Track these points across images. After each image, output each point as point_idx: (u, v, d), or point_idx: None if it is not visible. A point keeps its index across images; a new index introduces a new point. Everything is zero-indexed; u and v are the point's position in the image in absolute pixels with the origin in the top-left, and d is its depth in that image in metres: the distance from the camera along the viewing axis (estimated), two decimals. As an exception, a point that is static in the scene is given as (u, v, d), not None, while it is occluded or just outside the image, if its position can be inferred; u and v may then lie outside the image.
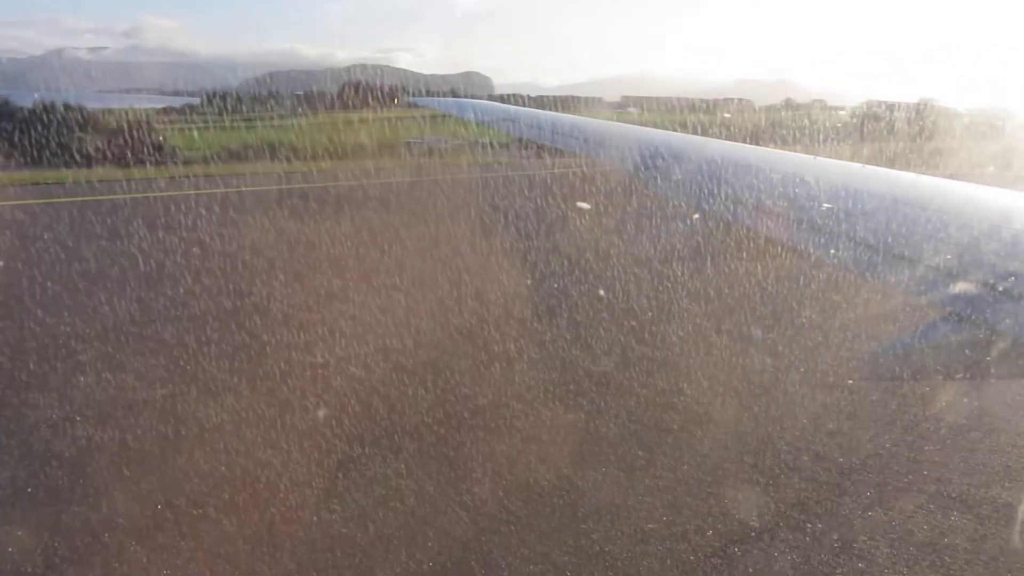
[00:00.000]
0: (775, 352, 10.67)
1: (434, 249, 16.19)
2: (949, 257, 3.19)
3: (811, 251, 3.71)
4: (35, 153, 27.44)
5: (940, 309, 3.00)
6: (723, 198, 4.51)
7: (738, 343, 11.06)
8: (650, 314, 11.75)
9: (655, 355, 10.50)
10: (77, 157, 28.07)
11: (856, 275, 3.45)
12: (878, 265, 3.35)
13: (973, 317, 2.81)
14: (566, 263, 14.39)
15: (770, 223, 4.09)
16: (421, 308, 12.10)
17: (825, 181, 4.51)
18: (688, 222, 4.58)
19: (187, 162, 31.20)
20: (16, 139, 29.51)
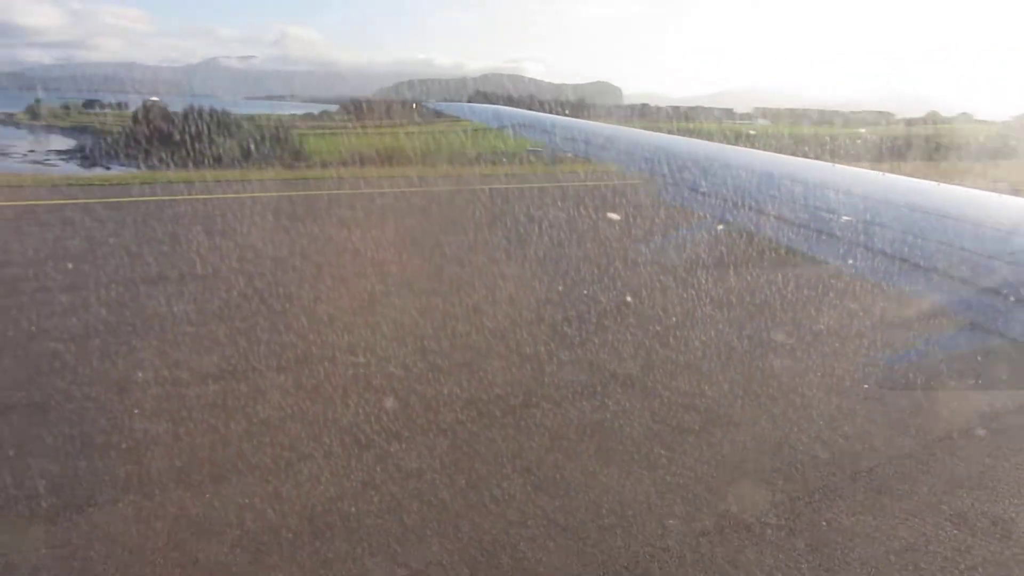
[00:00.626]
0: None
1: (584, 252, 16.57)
2: (968, 267, 3.17)
3: (832, 262, 3.73)
4: (182, 154, 29.40)
5: (960, 319, 2.97)
6: (743, 209, 4.52)
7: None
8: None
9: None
10: (220, 158, 29.85)
11: (880, 286, 3.45)
12: (897, 275, 3.34)
13: (992, 327, 2.79)
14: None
15: (785, 230, 4.11)
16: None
17: (849, 191, 4.53)
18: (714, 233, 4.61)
19: (324, 165, 32.50)
20: (167, 141, 31.76)
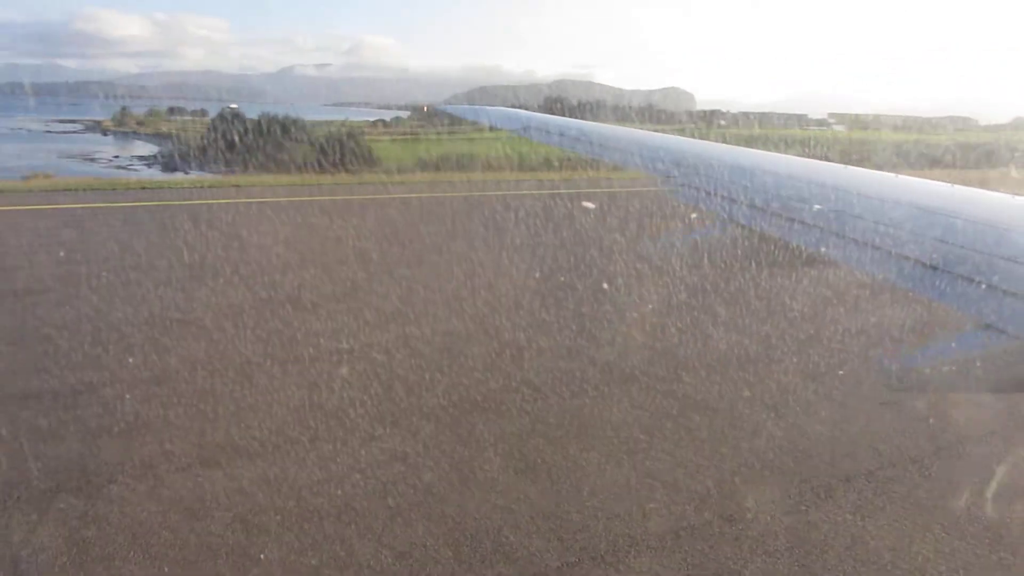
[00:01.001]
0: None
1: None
2: (981, 267, 3.13)
3: (844, 262, 3.74)
4: (255, 159, 30.26)
5: (974, 320, 2.93)
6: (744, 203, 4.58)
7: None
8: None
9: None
10: (290, 164, 30.56)
11: (887, 286, 3.46)
12: (909, 275, 3.33)
13: (1007, 328, 2.76)
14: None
15: (787, 228, 4.13)
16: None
17: (858, 190, 4.47)
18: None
19: (391, 170, 32.99)
20: (241, 147, 32.73)
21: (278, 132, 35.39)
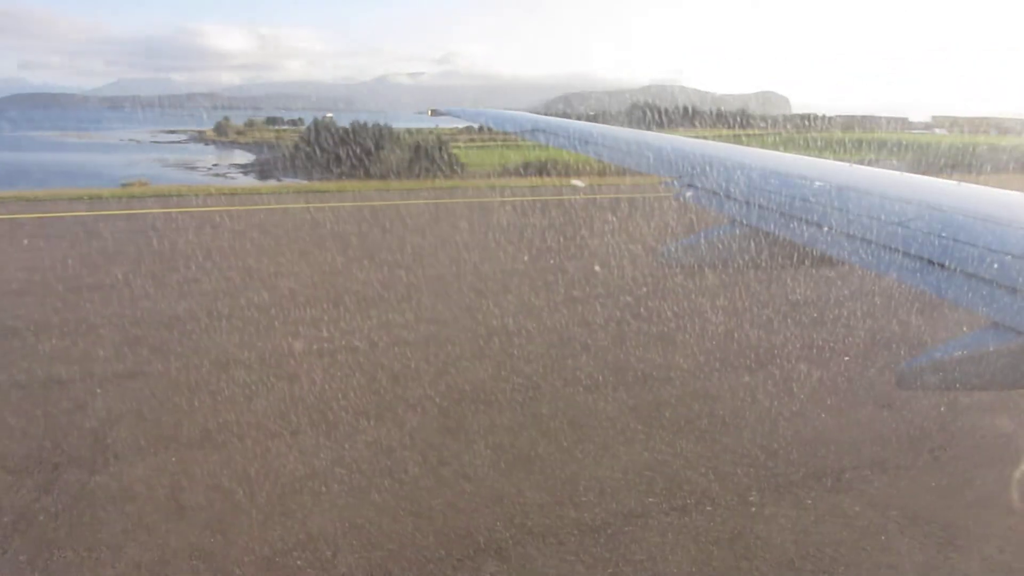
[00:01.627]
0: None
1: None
2: (991, 265, 3.09)
3: (851, 261, 3.67)
4: (344, 165, 30.96)
5: (984, 318, 2.88)
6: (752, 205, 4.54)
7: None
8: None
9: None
10: (378, 170, 31.15)
11: (900, 286, 3.40)
12: (919, 274, 3.29)
13: (1017, 326, 2.73)
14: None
15: (794, 228, 4.09)
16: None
17: (865, 189, 4.46)
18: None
19: (476, 175, 33.26)
20: (332, 154, 33.51)
21: (367, 139, 36.10)
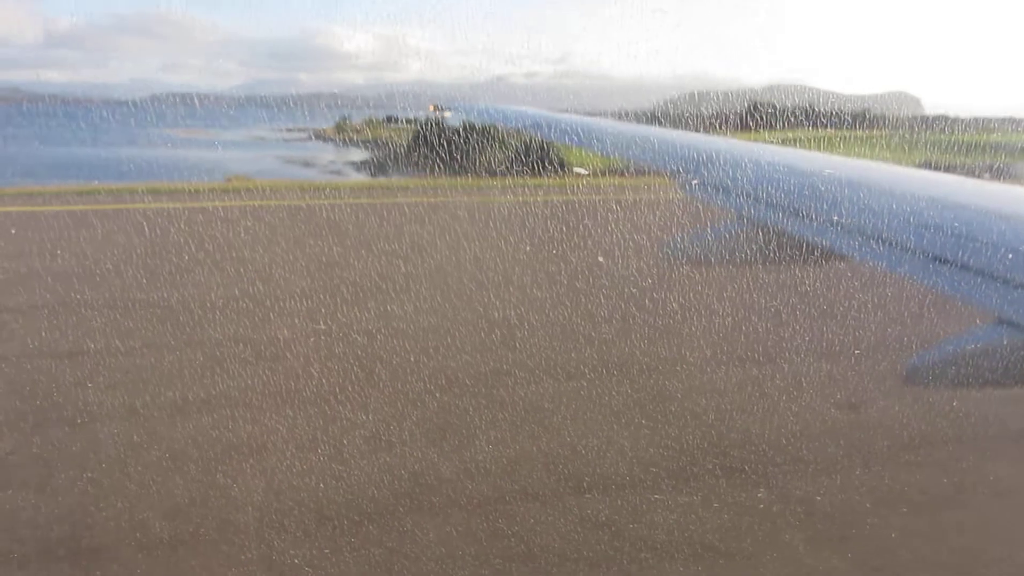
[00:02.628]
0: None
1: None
2: (997, 261, 3.02)
3: (857, 256, 3.64)
4: (452, 163, 31.18)
5: (990, 315, 2.86)
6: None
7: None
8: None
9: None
10: (486, 167, 31.25)
11: (900, 279, 3.32)
12: (922, 269, 3.25)
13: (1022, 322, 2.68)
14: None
15: (801, 224, 4.00)
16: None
17: (871, 185, 4.42)
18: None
19: (584, 174, 32.93)
20: (441, 152, 33.84)
21: (476, 138, 36.30)
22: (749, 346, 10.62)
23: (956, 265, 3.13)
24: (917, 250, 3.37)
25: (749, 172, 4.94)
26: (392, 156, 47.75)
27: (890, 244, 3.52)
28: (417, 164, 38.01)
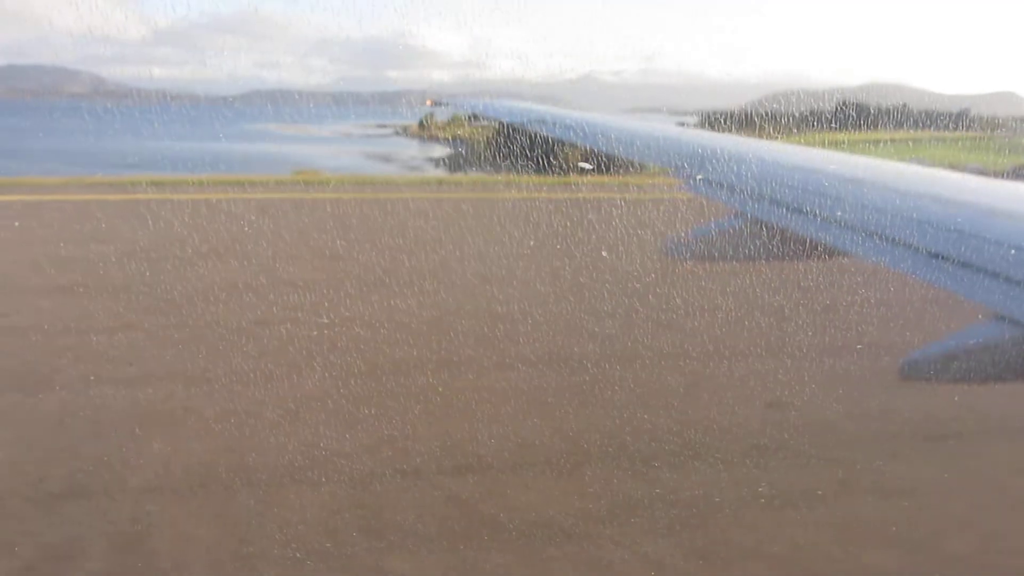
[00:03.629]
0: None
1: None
2: (994, 257, 3.03)
3: (856, 252, 3.60)
4: (524, 160, 30.99)
5: (988, 310, 2.85)
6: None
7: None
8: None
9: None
10: (557, 165, 30.97)
11: (900, 276, 3.29)
12: (921, 265, 3.23)
13: (1019, 318, 2.68)
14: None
15: (801, 220, 3.94)
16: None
17: (871, 180, 4.42)
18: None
19: (656, 173, 32.34)
20: (516, 150, 33.70)
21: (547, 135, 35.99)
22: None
23: (955, 262, 3.12)
24: (918, 247, 3.33)
25: (756, 170, 4.83)
26: (472, 153, 48.08)
27: (891, 241, 3.47)
28: (493, 161, 38.09)
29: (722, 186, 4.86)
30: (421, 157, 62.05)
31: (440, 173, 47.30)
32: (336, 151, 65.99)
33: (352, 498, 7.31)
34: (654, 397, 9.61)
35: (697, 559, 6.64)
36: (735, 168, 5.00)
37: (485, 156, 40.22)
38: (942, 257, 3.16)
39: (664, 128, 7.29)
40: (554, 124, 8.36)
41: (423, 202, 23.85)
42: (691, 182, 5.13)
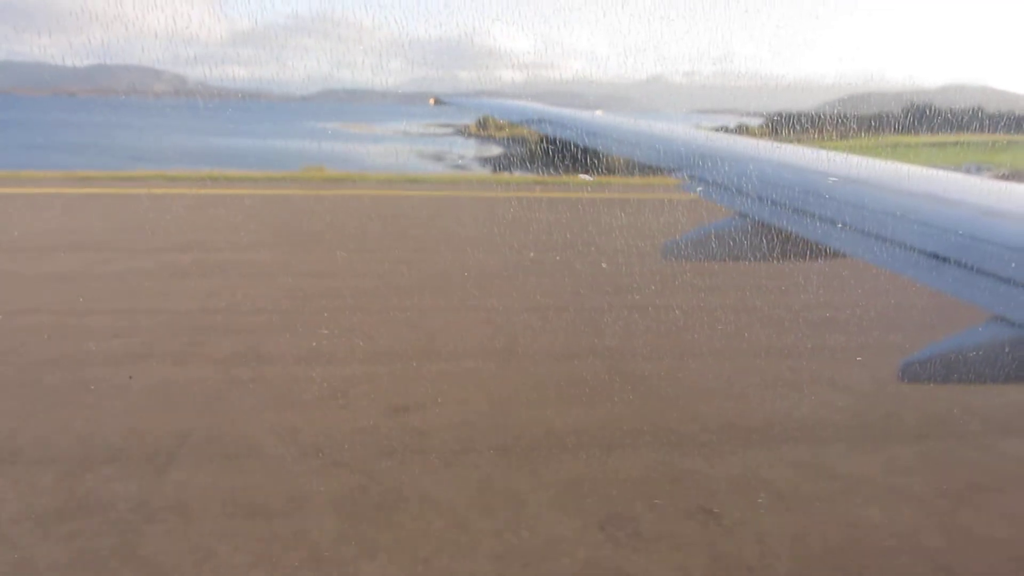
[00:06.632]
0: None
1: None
2: (993, 258, 3.02)
3: (853, 253, 3.57)
4: (569, 161, 29.99)
5: (985, 312, 2.80)
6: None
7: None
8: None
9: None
10: (606, 167, 29.99)
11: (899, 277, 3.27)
12: (919, 267, 3.20)
13: (1017, 319, 2.67)
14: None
15: (797, 220, 3.99)
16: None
17: (867, 180, 4.49)
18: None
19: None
20: (564, 150, 32.68)
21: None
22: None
23: (951, 261, 3.10)
24: (917, 248, 3.31)
25: (757, 171, 4.96)
26: (521, 153, 47.57)
27: (890, 242, 3.44)
28: (543, 161, 37.48)
29: (726, 188, 4.85)
30: (471, 156, 61.75)
31: (485, 172, 46.77)
32: (389, 149, 66.08)
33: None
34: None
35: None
36: (742, 170, 4.95)
37: (536, 155, 39.69)
38: (942, 258, 3.14)
39: (667, 129, 7.17)
40: (554, 124, 8.30)
41: (463, 200, 24.33)
42: (694, 185, 5.11)
